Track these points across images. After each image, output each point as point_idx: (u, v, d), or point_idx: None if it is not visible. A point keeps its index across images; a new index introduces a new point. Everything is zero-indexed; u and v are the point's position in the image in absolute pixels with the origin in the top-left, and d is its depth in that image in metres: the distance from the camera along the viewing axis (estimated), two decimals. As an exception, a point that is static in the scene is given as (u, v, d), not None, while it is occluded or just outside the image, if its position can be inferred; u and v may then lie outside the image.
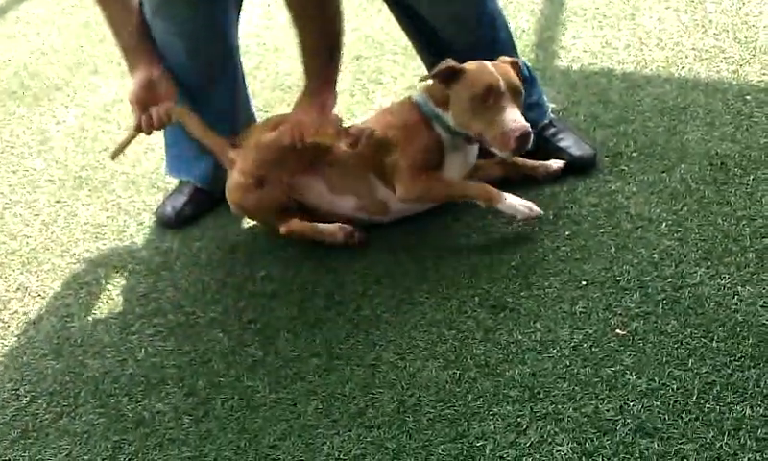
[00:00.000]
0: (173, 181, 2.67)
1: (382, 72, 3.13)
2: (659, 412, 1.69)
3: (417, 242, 2.28)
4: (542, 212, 2.19)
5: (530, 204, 2.19)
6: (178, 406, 1.94)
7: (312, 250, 2.30)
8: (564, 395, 1.77)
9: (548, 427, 1.71)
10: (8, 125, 3.19)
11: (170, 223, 2.53)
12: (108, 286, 2.35)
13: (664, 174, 2.35)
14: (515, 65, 2.26)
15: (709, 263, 2.03)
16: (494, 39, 2.41)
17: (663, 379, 1.76)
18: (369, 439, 1.77)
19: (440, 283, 2.12)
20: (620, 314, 1.94)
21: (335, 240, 2.28)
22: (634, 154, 2.45)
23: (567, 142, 2.46)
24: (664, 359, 1.81)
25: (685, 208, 2.21)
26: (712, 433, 1.63)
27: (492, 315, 2.01)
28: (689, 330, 1.86)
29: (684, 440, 1.63)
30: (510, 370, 1.86)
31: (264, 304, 2.20)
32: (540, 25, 3.26)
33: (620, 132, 2.55)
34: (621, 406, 1.72)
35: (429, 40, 2.43)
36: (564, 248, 2.17)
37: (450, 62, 2.21)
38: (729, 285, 1.96)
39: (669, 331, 1.87)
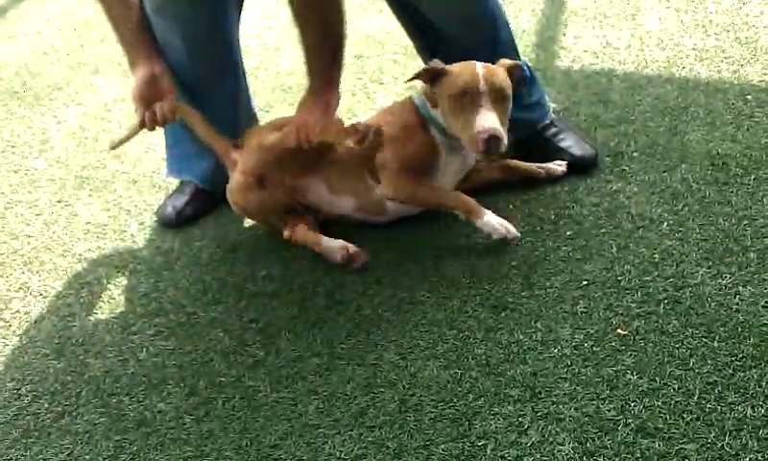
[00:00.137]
0: (174, 181, 2.67)
1: (383, 72, 3.13)
2: (660, 412, 1.69)
3: (418, 242, 2.28)
4: (519, 235, 2.16)
5: (508, 225, 2.16)
6: (179, 406, 1.94)
7: (310, 249, 2.30)
8: (565, 394, 1.77)
9: (549, 427, 1.71)
10: (8, 124, 3.19)
11: (171, 223, 2.53)
12: (110, 286, 2.35)
13: (665, 174, 2.35)
14: (514, 69, 2.23)
15: (711, 263, 2.03)
16: (495, 39, 2.41)
17: (665, 379, 1.76)
18: (370, 438, 1.77)
19: (441, 283, 2.13)
20: (621, 314, 1.94)
21: (333, 259, 2.23)
22: (635, 154, 2.45)
23: (568, 142, 2.46)
24: (665, 359, 1.81)
25: (686, 208, 2.21)
26: (714, 433, 1.63)
27: (493, 315, 2.01)
28: (690, 330, 1.86)
29: (685, 440, 1.63)
30: (511, 369, 1.86)
31: (265, 304, 2.20)
32: (540, 25, 3.27)
33: (621, 132, 2.55)
34: (622, 406, 1.72)
35: (430, 40, 2.43)
36: (565, 248, 2.17)
37: (435, 63, 2.21)
38: (730, 285, 1.96)
39: (670, 331, 1.87)
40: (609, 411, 1.72)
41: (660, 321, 1.90)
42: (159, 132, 2.44)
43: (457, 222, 2.31)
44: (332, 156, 2.29)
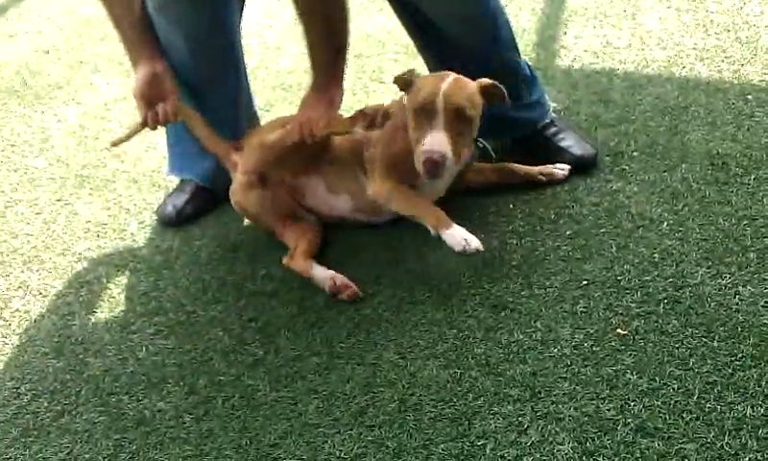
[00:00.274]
0: (174, 180, 2.67)
1: (383, 71, 3.13)
2: (659, 412, 1.69)
3: (417, 241, 2.27)
4: (481, 248, 2.06)
5: (471, 238, 2.06)
6: (178, 405, 1.94)
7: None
8: (564, 394, 1.77)
9: (549, 427, 1.71)
10: (9, 123, 3.19)
11: (171, 221, 2.53)
12: (110, 285, 2.35)
13: (665, 173, 2.35)
14: (490, 88, 2.15)
15: (710, 263, 2.03)
16: (496, 38, 2.41)
17: (664, 379, 1.76)
18: (370, 438, 1.77)
19: (440, 283, 2.12)
20: (621, 313, 1.94)
21: (322, 287, 2.19)
22: (635, 153, 2.45)
23: (568, 142, 2.46)
24: (665, 359, 1.81)
25: (686, 208, 2.21)
26: (713, 433, 1.63)
27: (492, 314, 2.01)
28: (690, 330, 1.86)
29: (684, 440, 1.63)
30: (511, 369, 1.86)
31: (265, 303, 2.20)
32: (541, 24, 3.26)
33: (621, 131, 2.55)
34: (622, 406, 1.72)
35: (431, 39, 2.43)
36: (564, 247, 2.17)
37: (408, 72, 2.19)
38: (730, 285, 1.96)
39: (670, 331, 1.87)
40: (608, 411, 1.72)
41: (660, 321, 1.90)
42: (161, 130, 2.44)
43: (458, 221, 2.30)
44: (331, 154, 2.29)
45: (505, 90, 2.16)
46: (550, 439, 1.68)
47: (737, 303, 1.91)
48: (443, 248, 2.14)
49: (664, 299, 1.96)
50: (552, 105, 2.58)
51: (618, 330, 1.90)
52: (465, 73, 2.38)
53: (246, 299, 2.22)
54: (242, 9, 2.47)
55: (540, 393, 1.79)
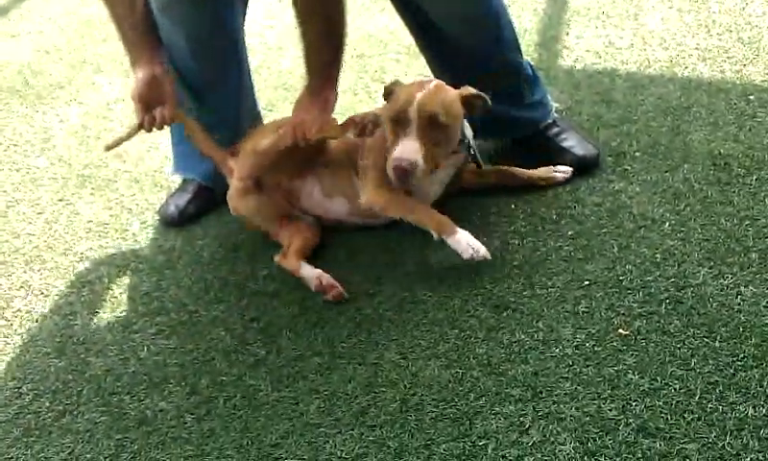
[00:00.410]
0: (176, 180, 2.67)
1: (385, 71, 3.13)
2: (661, 412, 1.69)
3: (419, 241, 2.27)
4: (488, 256, 2.08)
5: (478, 246, 2.08)
6: (180, 405, 1.94)
7: (313, 250, 2.30)
8: (566, 394, 1.77)
9: (550, 427, 1.71)
10: (10, 123, 3.20)
11: (173, 221, 2.54)
12: (112, 285, 2.35)
13: (667, 174, 2.35)
14: (473, 98, 2.15)
15: (712, 263, 2.03)
16: (498, 38, 2.40)
17: (666, 379, 1.76)
18: (371, 438, 1.77)
19: (442, 282, 2.12)
20: (623, 314, 1.94)
21: (309, 286, 2.20)
22: (637, 153, 2.45)
23: (571, 142, 2.45)
24: (667, 359, 1.81)
25: (688, 208, 2.21)
26: (715, 433, 1.63)
27: (494, 314, 2.01)
28: (692, 330, 1.86)
29: (686, 440, 1.63)
30: (512, 369, 1.86)
31: (266, 303, 2.20)
32: (543, 24, 3.26)
33: (623, 131, 2.55)
34: (623, 406, 1.72)
35: (432, 38, 2.42)
36: (566, 247, 2.17)
37: (392, 83, 2.20)
38: (731, 285, 1.96)
39: (672, 331, 1.87)
40: (610, 411, 1.72)
41: (662, 321, 1.90)
42: (163, 130, 2.44)
43: (458, 222, 2.30)
44: (325, 157, 2.30)
45: (489, 99, 2.16)
46: (552, 439, 1.68)
47: (739, 304, 1.91)
48: (443, 248, 2.14)
49: (666, 299, 1.95)
50: (554, 105, 2.57)
51: (620, 330, 1.90)
52: (466, 73, 2.39)
53: (248, 299, 2.22)
54: (245, 10, 2.47)
55: (541, 393, 1.79)
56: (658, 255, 2.08)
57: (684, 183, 2.30)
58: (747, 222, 2.13)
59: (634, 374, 1.79)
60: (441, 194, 2.29)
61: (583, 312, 1.96)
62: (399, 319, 2.06)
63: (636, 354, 1.83)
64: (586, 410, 1.73)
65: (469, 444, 1.71)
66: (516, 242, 2.21)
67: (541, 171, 2.39)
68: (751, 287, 1.94)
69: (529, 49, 3.05)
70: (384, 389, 1.87)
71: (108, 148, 2.51)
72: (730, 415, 1.66)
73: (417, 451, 1.72)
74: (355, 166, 2.29)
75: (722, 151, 2.39)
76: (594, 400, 1.75)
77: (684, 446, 1.62)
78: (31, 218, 2.66)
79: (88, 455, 1.86)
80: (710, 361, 1.78)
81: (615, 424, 1.69)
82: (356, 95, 2.99)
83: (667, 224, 2.17)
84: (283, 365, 1.99)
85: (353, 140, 2.27)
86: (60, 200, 2.72)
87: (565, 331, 1.92)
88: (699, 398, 1.71)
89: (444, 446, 1.72)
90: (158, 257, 2.43)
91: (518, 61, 2.45)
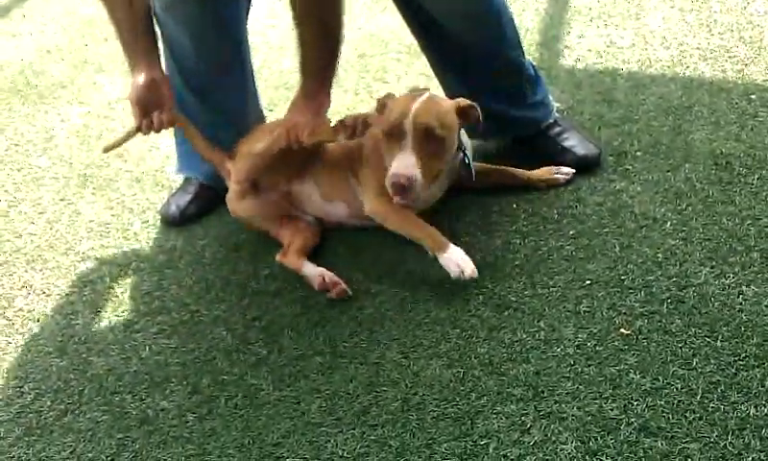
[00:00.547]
0: (177, 180, 2.67)
1: (386, 71, 3.13)
2: (663, 411, 1.69)
3: (421, 241, 2.28)
4: (476, 275, 2.05)
5: (467, 265, 2.06)
6: (182, 404, 1.94)
7: (314, 249, 2.30)
8: (567, 394, 1.77)
9: (552, 426, 1.71)
10: (12, 123, 3.20)
11: (174, 221, 2.54)
12: (113, 284, 2.35)
13: (669, 173, 2.35)
14: (468, 109, 2.14)
15: (714, 263, 2.03)
16: (500, 37, 2.40)
17: (667, 379, 1.76)
18: (372, 437, 1.77)
19: (443, 282, 2.12)
20: (624, 313, 1.94)
21: (312, 286, 2.20)
22: (638, 153, 2.45)
23: (572, 141, 2.45)
24: (668, 358, 1.81)
25: (690, 208, 2.21)
26: (716, 432, 1.63)
27: (496, 314, 2.01)
28: (694, 330, 1.86)
29: (688, 439, 1.63)
30: (514, 368, 1.85)
31: (268, 303, 2.20)
32: (544, 24, 3.26)
33: (625, 131, 2.55)
34: (625, 405, 1.72)
35: (433, 37, 2.42)
36: (568, 247, 2.17)
37: (386, 96, 2.20)
38: (733, 285, 1.96)
39: (673, 331, 1.87)
40: (611, 410, 1.71)
41: (664, 320, 1.90)
42: (164, 130, 2.44)
43: (459, 221, 2.31)
44: (323, 159, 2.30)
45: (480, 112, 2.15)
46: (553, 438, 1.68)
47: (741, 303, 1.91)
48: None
49: (668, 298, 1.95)
50: (555, 104, 2.57)
51: (622, 330, 1.90)
52: (468, 72, 2.39)
53: (249, 298, 2.22)
54: (248, 9, 2.47)
55: (543, 392, 1.79)
56: (659, 255, 2.08)
57: (686, 183, 2.30)
58: (749, 221, 2.13)
59: (635, 373, 1.79)
60: (439, 198, 2.29)
61: (584, 312, 1.96)
62: (401, 318, 2.06)
63: (638, 354, 1.83)
64: (587, 410, 1.73)
65: (471, 443, 1.71)
66: (518, 241, 2.21)
67: (543, 172, 2.39)
68: (753, 287, 1.94)
69: (530, 48, 3.05)
70: (386, 388, 1.87)
71: (106, 150, 2.53)
72: (731, 414, 1.66)
73: (418, 451, 1.72)
74: (353, 169, 2.29)
75: (724, 150, 2.39)
76: (596, 399, 1.75)
77: (685, 445, 1.62)
78: (32, 218, 2.66)
79: (90, 454, 1.86)
80: (712, 361, 1.78)
81: (617, 423, 1.69)
82: (357, 95, 2.99)
83: (669, 223, 2.17)
84: (285, 364, 2.00)
85: (351, 143, 2.26)
86: (62, 199, 2.72)
87: (567, 331, 1.92)
88: (701, 397, 1.71)
89: (445, 445, 1.72)
90: (160, 257, 2.43)
91: (520, 61, 2.45)
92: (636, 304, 1.95)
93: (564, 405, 1.75)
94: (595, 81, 2.84)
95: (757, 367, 1.75)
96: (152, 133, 2.35)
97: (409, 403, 1.82)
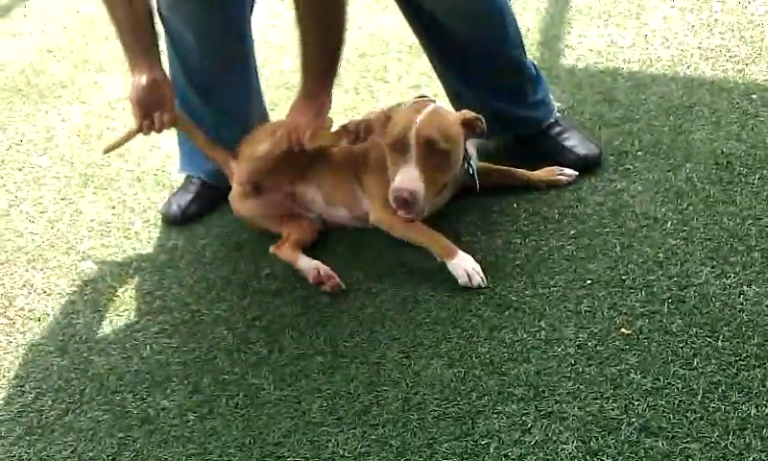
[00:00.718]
0: (178, 179, 2.67)
1: (387, 70, 3.13)
2: (663, 411, 1.69)
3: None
4: (483, 284, 2.07)
5: (475, 273, 2.07)
6: (182, 403, 1.94)
7: (315, 248, 2.30)
8: (568, 393, 1.77)
9: (553, 426, 1.71)
10: (13, 122, 3.20)
11: (175, 220, 2.54)
12: (114, 284, 2.35)
13: (670, 173, 2.35)
14: (473, 121, 2.13)
15: (715, 262, 2.03)
16: (503, 36, 2.40)
17: (668, 378, 1.76)
18: (373, 437, 1.77)
19: (444, 281, 2.12)
20: (625, 313, 1.94)
21: (306, 277, 2.22)
22: (639, 153, 2.45)
23: (573, 141, 2.45)
24: (669, 358, 1.81)
25: (691, 207, 2.21)
26: (717, 432, 1.63)
27: (497, 313, 2.01)
28: (694, 330, 1.86)
29: (688, 439, 1.63)
30: (514, 368, 1.85)
31: (269, 302, 2.20)
32: (545, 23, 3.26)
33: (625, 130, 2.55)
34: (626, 405, 1.72)
35: (434, 36, 2.42)
36: (569, 246, 2.17)
37: (390, 108, 2.19)
38: (734, 285, 1.96)
39: (674, 330, 1.87)
40: (612, 410, 1.71)
41: (665, 320, 1.90)
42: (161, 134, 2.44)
43: (460, 222, 2.31)
44: (326, 162, 2.31)
45: (485, 125, 2.14)
46: (554, 438, 1.68)
47: (742, 303, 1.90)
48: (446, 247, 2.14)
49: (669, 298, 1.95)
50: (556, 104, 2.57)
51: (622, 330, 1.90)
52: (469, 71, 2.39)
53: (250, 297, 2.23)
54: (252, 6, 2.47)
55: (543, 392, 1.79)
56: (660, 255, 2.08)
57: (687, 183, 2.30)
58: (749, 221, 2.13)
59: (636, 373, 1.79)
60: (443, 204, 2.29)
61: (585, 311, 1.96)
62: (402, 318, 2.06)
63: (639, 354, 1.83)
64: (588, 409, 1.73)
65: (472, 443, 1.71)
66: (519, 241, 2.21)
67: (545, 172, 2.39)
68: (754, 286, 1.94)
69: (531, 48, 3.04)
70: (386, 388, 1.87)
71: (106, 151, 2.54)
72: (732, 414, 1.66)
73: (419, 450, 1.72)
74: (357, 175, 2.28)
75: (724, 150, 2.39)
76: (597, 399, 1.75)
77: (686, 445, 1.62)
78: (33, 217, 2.66)
79: (91, 454, 1.86)
80: (713, 361, 1.78)
81: (618, 423, 1.69)
82: (358, 94, 2.99)
83: (670, 223, 2.17)
84: (286, 364, 2.00)
85: (356, 148, 2.26)
86: (63, 199, 2.72)
87: (568, 331, 1.92)
88: (701, 397, 1.71)
89: (446, 445, 1.72)
90: (161, 256, 2.43)
91: (522, 60, 2.45)
92: (637, 304, 1.95)
93: (564, 405, 1.75)
94: (596, 80, 2.84)
95: (758, 367, 1.75)
96: (152, 133, 2.35)
97: (410, 403, 1.82)
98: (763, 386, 1.71)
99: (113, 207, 2.64)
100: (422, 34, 2.46)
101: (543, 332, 1.93)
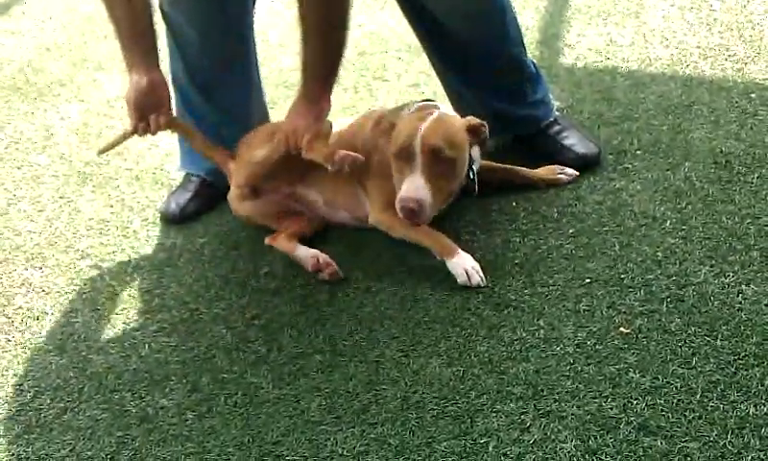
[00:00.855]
0: (177, 178, 2.67)
1: (387, 69, 3.13)
2: (662, 410, 1.69)
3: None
4: (483, 283, 2.07)
5: (475, 272, 2.07)
6: (181, 402, 1.94)
7: (314, 247, 2.30)
8: (567, 392, 1.77)
9: (551, 425, 1.71)
10: (12, 121, 3.20)
11: (174, 219, 2.54)
12: (113, 282, 2.35)
13: (669, 172, 2.35)
14: (478, 127, 2.13)
15: (714, 261, 2.03)
16: (503, 35, 2.40)
17: (667, 377, 1.76)
18: (372, 435, 1.77)
19: (443, 280, 2.12)
20: (624, 312, 1.94)
21: (305, 267, 2.23)
22: (638, 152, 2.45)
23: (572, 140, 2.45)
24: (668, 357, 1.81)
25: (690, 207, 2.21)
26: (716, 432, 1.63)
27: (495, 312, 2.01)
28: (693, 329, 1.86)
29: (687, 438, 1.63)
30: (513, 367, 1.85)
31: (267, 301, 2.20)
32: (544, 22, 3.26)
33: (625, 129, 2.55)
34: (625, 404, 1.72)
35: (434, 35, 2.42)
36: (567, 245, 2.17)
37: (392, 114, 2.19)
38: (733, 284, 1.96)
39: (673, 329, 1.87)
40: (611, 409, 1.71)
41: (663, 319, 1.90)
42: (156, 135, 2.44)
43: (459, 220, 2.31)
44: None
45: (488, 133, 2.14)
46: (552, 437, 1.68)
47: (740, 302, 1.91)
48: (445, 246, 2.14)
49: (667, 297, 1.95)
50: (555, 103, 2.57)
51: (621, 329, 1.90)
52: (470, 71, 2.39)
53: (249, 296, 2.23)
54: (254, 3, 2.47)
55: (542, 391, 1.79)
56: (659, 254, 2.08)
57: (686, 182, 2.30)
58: (748, 220, 2.13)
59: (635, 372, 1.79)
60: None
61: (584, 310, 1.96)
62: (401, 317, 2.06)
63: (638, 353, 1.83)
64: (587, 408, 1.73)
65: (470, 441, 1.71)
66: (518, 240, 2.21)
67: (545, 171, 2.39)
68: (752, 285, 1.94)
69: (530, 47, 3.03)
70: (385, 387, 1.87)
71: (101, 152, 2.54)
72: (731, 413, 1.66)
73: (418, 449, 1.72)
74: (361, 179, 2.27)
75: (723, 149, 2.39)
76: (595, 398, 1.75)
77: (685, 444, 1.62)
78: (32, 216, 2.66)
79: (89, 452, 1.86)
80: (712, 360, 1.78)
81: (616, 422, 1.69)
82: (357, 93, 2.99)
83: (668, 222, 2.17)
84: (284, 363, 2.00)
85: (360, 153, 2.25)
86: (61, 197, 2.72)
87: (567, 330, 1.92)
88: (700, 396, 1.71)
89: (444, 443, 1.72)
90: (159, 255, 2.43)
91: (522, 59, 2.45)
92: (636, 303, 1.95)
93: (563, 404, 1.75)
94: (595, 79, 2.84)
95: (757, 366, 1.75)
96: (148, 134, 2.34)
97: (409, 402, 1.82)
98: (762, 385, 1.71)
99: (112, 206, 2.64)
100: (422, 33, 2.46)
101: (542, 331, 1.93)
